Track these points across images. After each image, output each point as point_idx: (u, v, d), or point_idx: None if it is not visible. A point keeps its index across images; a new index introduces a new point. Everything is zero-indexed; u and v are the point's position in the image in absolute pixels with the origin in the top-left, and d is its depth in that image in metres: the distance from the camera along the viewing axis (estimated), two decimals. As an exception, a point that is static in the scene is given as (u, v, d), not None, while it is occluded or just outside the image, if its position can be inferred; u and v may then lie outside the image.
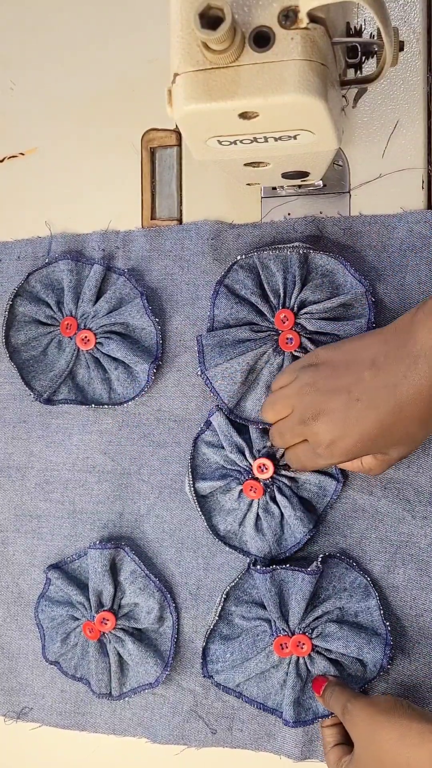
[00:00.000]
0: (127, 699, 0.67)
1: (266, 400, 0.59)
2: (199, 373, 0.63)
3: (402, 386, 0.50)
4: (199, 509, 0.64)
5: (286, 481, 0.63)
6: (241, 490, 0.63)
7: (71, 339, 0.67)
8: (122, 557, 0.66)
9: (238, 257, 0.63)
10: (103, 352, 0.66)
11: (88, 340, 0.66)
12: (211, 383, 0.62)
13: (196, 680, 0.65)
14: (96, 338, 0.66)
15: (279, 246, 0.62)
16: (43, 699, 0.70)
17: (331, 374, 0.54)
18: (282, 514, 0.62)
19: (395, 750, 0.50)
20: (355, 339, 0.55)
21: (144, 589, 0.65)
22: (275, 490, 0.62)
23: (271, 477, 0.62)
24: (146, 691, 0.65)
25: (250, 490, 0.62)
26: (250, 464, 0.63)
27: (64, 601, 0.68)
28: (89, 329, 0.66)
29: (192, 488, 0.64)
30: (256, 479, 0.62)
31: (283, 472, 0.62)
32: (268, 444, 0.62)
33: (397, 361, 0.50)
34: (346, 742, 0.58)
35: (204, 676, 0.63)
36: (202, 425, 0.65)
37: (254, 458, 0.63)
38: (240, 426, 0.64)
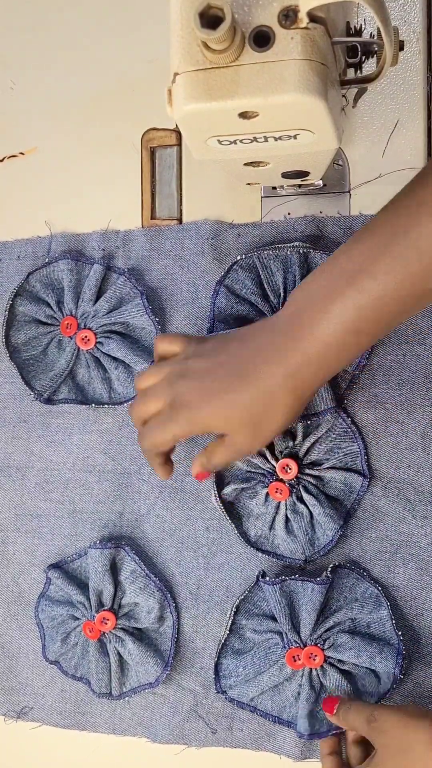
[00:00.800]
0: (127, 699, 0.67)
1: (140, 372, 0.57)
2: None
3: (268, 355, 0.49)
4: (227, 518, 0.64)
5: (311, 479, 0.62)
6: (267, 493, 0.62)
7: (71, 338, 0.67)
8: (122, 557, 0.66)
9: (238, 257, 0.63)
10: (103, 352, 0.66)
11: (89, 340, 0.66)
12: None
13: (196, 680, 0.65)
14: (96, 338, 0.66)
15: (279, 246, 0.62)
16: (43, 698, 0.70)
17: (205, 350, 0.53)
18: (311, 513, 0.62)
19: (428, 754, 0.50)
20: (232, 330, 0.55)
21: (144, 588, 0.65)
22: (301, 490, 0.62)
23: (296, 477, 0.62)
24: (146, 690, 0.65)
25: (276, 491, 0.62)
26: (274, 466, 0.62)
27: (65, 601, 0.68)
28: (89, 329, 0.66)
29: (217, 498, 0.64)
30: (281, 480, 0.62)
31: (308, 471, 0.62)
32: (291, 444, 0.62)
33: (265, 335, 0.50)
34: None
35: (217, 692, 0.63)
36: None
37: (277, 459, 0.62)
38: None
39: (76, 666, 0.67)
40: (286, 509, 0.62)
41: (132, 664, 0.65)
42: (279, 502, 0.62)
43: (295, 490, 0.62)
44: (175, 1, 0.42)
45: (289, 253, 0.61)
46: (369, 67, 0.61)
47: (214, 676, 0.63)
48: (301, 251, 0.61)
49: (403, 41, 0.60)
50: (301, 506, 0.62)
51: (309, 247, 0.61)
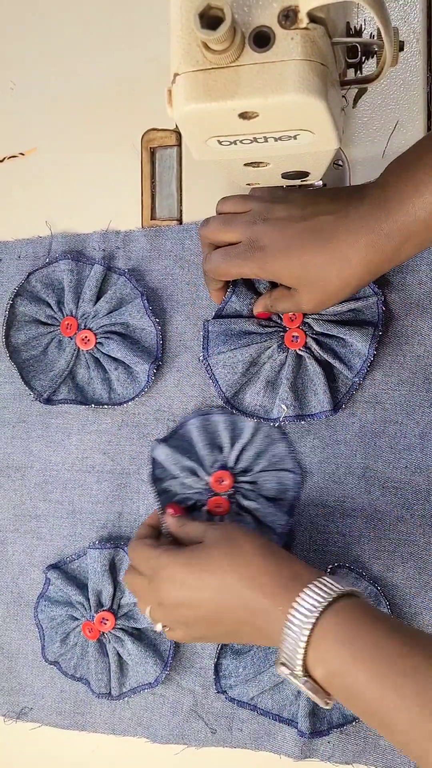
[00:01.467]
0: (126, 699, 0.67)
1: (228, 196, 0.57)
2: (201, 358, 0.64)
3: (353, 223, 0.49)
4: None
5: (247, 486, 0.63)
6: (208, 510, 0.63)
7: (71, 339, 0.67)
8: (122, 557, 0.66)
9: None
10: (103, 352, 0.66)
11: (89, 340, 0.66)
12: (211, 370, 0.62)
13: (195, 680, 0.65)
14: (96, 338, 0.66)
15: None
16: (43, 699, 0.70)
17: (293, 198, 0.54)
18: (255, 518, 0.63)
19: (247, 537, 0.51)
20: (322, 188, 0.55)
21: (144, 588, 0.65)
22: (240, 498, 0.63)
23: (232, 487, 0.63)
24: (146, 691, 0.65)
25: (216, 507, 0.63)
26: (208, 482, 0.63)
27: (64, 601, 0.68)
28: (89, 329, 0.66)
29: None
30: (218, 494, 0.63)
31: (241, 479, 0.63)
32: (219, 456, 0.63)
33: (355, 201, 0.50)
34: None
35: (217, 692, 0.63)
36: (150, 465, 0.65)
37: (208, 474, 0.63)
38: (184, 449, 0.64)
39: (76, 666, 0.67)
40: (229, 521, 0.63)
41: (131, 665, 0.65)
42: (222, 516, 0.63)
43: (233, 501, 0.63)
44: (175, 2, 0.42)
45: None
46: (369, 67, 0.61)
47: (213, 677, 0.63)
48: None
49: (403, 42, 0.60)
50: (244, 515, 0.63)
51: None
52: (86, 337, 0.66)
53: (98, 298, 0.67)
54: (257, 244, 0.52)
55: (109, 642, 0.65)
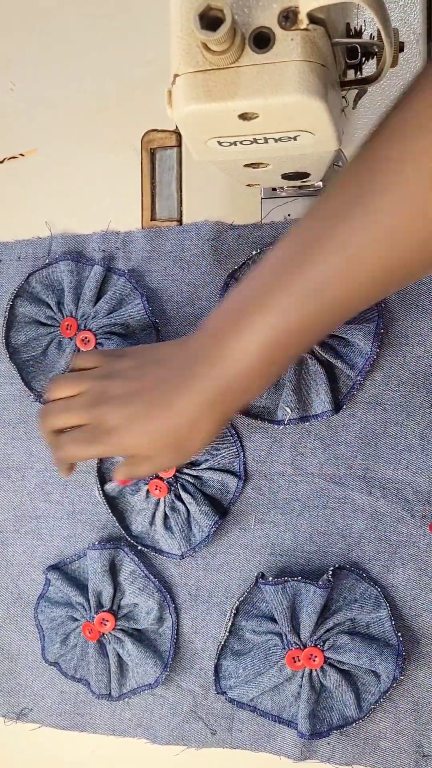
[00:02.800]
0: (126, 700, 0.67)
1: (58, 377, 0.57)
2: None
3: (185, 382, 0.50)
4: (110, 511, 0.66)
5: (189, 478, 0.64)
6: (148, 490, 0.65)
7: (71, 340, 0.67)
8: (122, 558, 0.66)
9: (253, 251, 0.63)
10: None
11: (89, 341, 0.66)
12: None
13: (195, 681, 0.65)
14: (96, 339, 0.66)
15: None
16: (43, 700, 0.70)
17: (123, 370, 0.54)
18: (188, 511, 0.64)
19: None
20: (148, 346, 0.56)
21: (143, 589, 0.65)
22: (179, 488, 0.64)
23: (174, 475, 0.64)
24: (146, 692, 0.65)
25: (155, 489, 0.64)
26: None
27: (64, 602, 0.68)
28: (89, 330, 0.66)
29: (100, 492, 0.66)
30: (160, 478, 0.64)
31: (186, 471, 0.64)
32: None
33: (181, 360, 0.51)
34: None
35: (217, 693, 0.63)
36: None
37: None
38: None
39: (76, 667, 0.67)
40: (164, 506, 0.65)
41: (131, 665, 0.65)
42: (158, 499, 0.65)
43: (173, 488, 0.64)
44: (175, 3, 0.42)
45: None
46: (369, 68, 0.61)
47: (213, 677, 0.63)
48: None
49: (403, 42, 0.60)
50: (178, 504, 0.64)
51: None
52: (86, 337, 0.66)
53: (98, 299, 0.67)
54: (103, 426, 0.52)
55: (109, 643, 0.65)
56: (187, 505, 0.64)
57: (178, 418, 0.50)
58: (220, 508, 0.65)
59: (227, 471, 0.65)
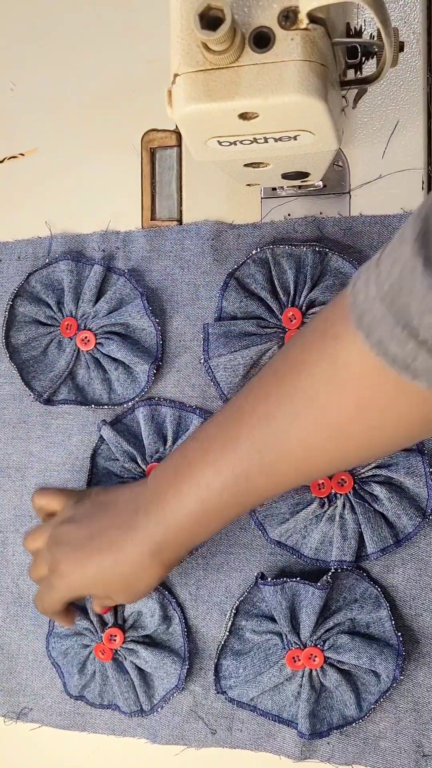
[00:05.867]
0: (158, 710, 0.66)
1: (27, 533, 0.62)
2: (201, 361, 0.64)
3: (131, 533, 0.54)
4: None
5: None
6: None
7: (71, 339, 0.67)
8: None
9: (253, 251, 0.63)
10: (103, 353, 0.66)
11: (88, 341, 0.66)
12: (213, 373, 0.62)
13: (195, 681, 0.65)
14: (96, 339, 0.66)
15: (296, 243, 0.62)
16: (43, 699, 0.70)
17: (78, 516, 0.58)
18: None
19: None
20: (105, 489, 0.60)
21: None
22: None
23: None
24: (175, 695, 0.65)
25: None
26: (144, 470, 0.64)
27: (72, 632, 0.67)
28: (89, 330, 0.66)
29: None
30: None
31: None
32: (162, 449, 0.64)
33: (129, 511, 0.55)
34: None
35: (217, 692, 0.63)
36: (96, 441, 0.67)
37: (147, 464, 0.64)
38: (130, 434, 0.66)
39: (101, 694, 0.67)
40: None
41: (152, 673, 0.65)
42: None
43: None
44: (175, 2, 0.42)
45: (304, 251, 0.61)
46: (369, 68, 0.61)
47: (213, 677, 0.63)
48: (317, 249, 0.61)
49: (403, 42, 0.60)
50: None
51: (326, 248, 0.61)
52: (86, 337, 0.66)
53: (98, 299, 0.67)
54: (58, 569, 0.56)
55: (125, 658, 0.65)
56: None
57: (122, 563, 0.54)
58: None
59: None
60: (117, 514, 0.56)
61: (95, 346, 0.66)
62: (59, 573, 0.56)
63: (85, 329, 0.66)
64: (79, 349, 0.67)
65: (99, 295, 0.67)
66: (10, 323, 0.68)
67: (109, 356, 0.66)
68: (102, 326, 0.66)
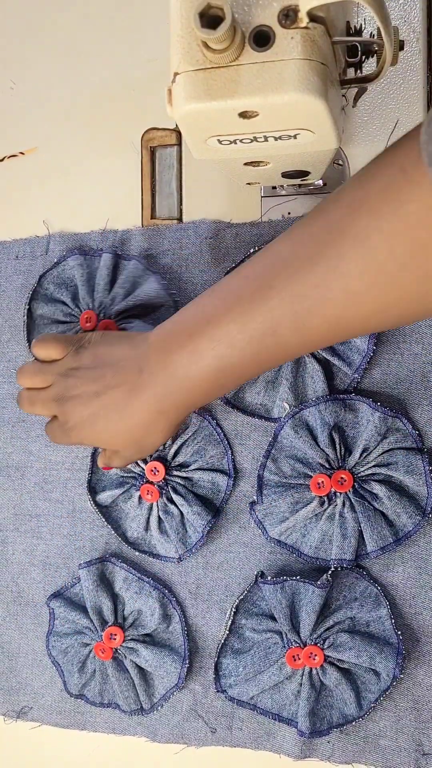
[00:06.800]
0: (158, 708, 0.66)
1: (24, 366, 0.61)
2: None
3: (139, 389, 0.54)
4: (104, 520, 0.67)
5: (179, 480, 0.64)
6: (140, 496, 0.65)
7: (93, 332, 0.66)
8: (111, 569, 0.66)
9: (251, 249, 0.63)
10: None
11: (110, 330, 0.65)
12: None
13: (195, 679, 0.65)
14: (118, 326, 0.65)
15: None
16: (43, 698, 0.70)
17: (84, 368, 0.58)
18: (182, 513, 0.64)
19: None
20: (107, 338, 0.59)
21: (140, 592, 0.65)
22: (170, 491, 0.64)
23: (164, 479, 0.64)
24: (175, 693, 0.65)
25: (147, 493, 0.64)
26: (143, 469, 0.64)
27: (72, 632, 0.67)
28: (109, 318, 0.66)
29: (93, 503, 0.67)
30: (151, 483, 0.64)
31: (176, 473, 0.64)
32: (160, 447, 0.64)
33: (135, 366, 0.55)
34: None
35: (217, 691, 0.63)
36: None
37: (145, 462, 0.64)
38: None
39: (101, 693, 0.67)
40: (158, 510, 0.65)
41: (152, 672, 0.65)
42: (151, 504, 0.65)
43: (165, 492, 0.64)
44: (175, 1, 0.42)
45: None
46: (369, 66, 0.61)
47: (213, 676, 0.63)
48: None
49: (403, 41, 0.60)
50: (171, 507, 0.64)
51: None
52: (107, 326, 0.65)
53: (111, 287, 0.66)
54: (68, 424, 0.58)
55: (125, 657, 0.65)
56: (180, 507, 0.64)
57: (131, 420, 0.55)
58: (213, 508, 0.64)
59: (217, 470, 0.65)
60: (119, 372, 0.55)
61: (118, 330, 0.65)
62: (71, 426, 0.57)
63: (104, 318, 0.66)
64: None
65: (112, 282, 0.66)
66: (30, 327, 0.68)
67: None
68: (121, 312, 0.65)
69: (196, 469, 0.65)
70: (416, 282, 0.41)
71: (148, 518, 0.65)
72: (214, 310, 0.49)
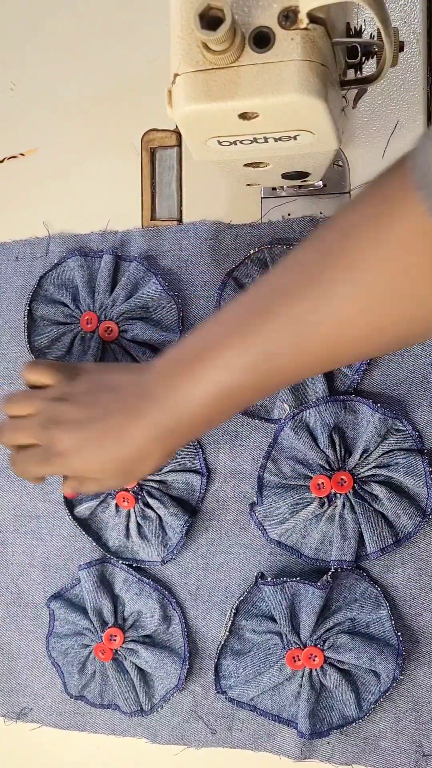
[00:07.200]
0: (158, 710, 0.66)
1: (12, 394, 0.59)
2: None
3: (137, 415, 0.52)
4: (84, 533, 0.67)
5: (153, 484, 0.65)
6: (117, 504, 0.65)
7: (94, 333, 0.66)
8: (111, 570, 0.66)
9: (251, 251, 0.63)
10: (128, 339, 0.65)
11: (112, 331, 0.65)
12: None
13: (195, 680, 0.65)
14: (119, 327, 0.65)
15: (293, 243, 0.62)
16: (43, 699, 0.70)
17: (78, 394, 0.56)
18: (159, 516, 0.64)
19: None
20: (104, 368, 0.58)
21: (140, 593, 0.65)
22: (146, 496, 0.64)
23: (138, 484, 0.64)
24: (175, 695, 0.65)
25: (123, 501, 0.65)
26: None
27: (72, 633, 0.67)
28: (111, 320, 0.66)
29: (71, 517, 0.67)
30: (126, 489, 0.64)
31: (149, 477, 0.64)
32: None
33: (135, 392, 0.53)
34: None
35: (217, 692, 0.63)
36: None
37: None
38: None
39: (101, 694, 0.67)
40: (135, 516, 0.65)
41: (152, 673, 0.65)
42: (128, 511, 0.65)
43: (140, 497, 0.65)
44: (175, 2, 0.42)
45: None
46: (369, 67, 0.61)
47: (213, 677, 0.63)
48: None
49: (403, 42, 0.60)
50: (148, 511, 0.64)
51: None
52: (108, 327, 0.65)
53: (112, 289, 0.66)
54: (54, 449, 0.54)
55: (125, 658, 0.65)
56: (157, 511, 0.64)
57: (127, 448, 0.53)
58: (189, 508, 0.65)
59: (189, 470, 0.65)
60: (120, 399, 0.54)
61: (119, 336, 0.65)
62: (57, 451, 0.54)
63: (106, 320, 0.66)
64: (103, 342, 0.66)
65: (113, 284, 0.66)
66: (31, 328, 0.68)
67: (134, 341, 0.66)
68: (122, 313, 0.65)
69: (169, 471, 0.65)
70: (407, 306, 0.42)
71: (128, 525, 0.65)
72: (213, 337, 0.49)
